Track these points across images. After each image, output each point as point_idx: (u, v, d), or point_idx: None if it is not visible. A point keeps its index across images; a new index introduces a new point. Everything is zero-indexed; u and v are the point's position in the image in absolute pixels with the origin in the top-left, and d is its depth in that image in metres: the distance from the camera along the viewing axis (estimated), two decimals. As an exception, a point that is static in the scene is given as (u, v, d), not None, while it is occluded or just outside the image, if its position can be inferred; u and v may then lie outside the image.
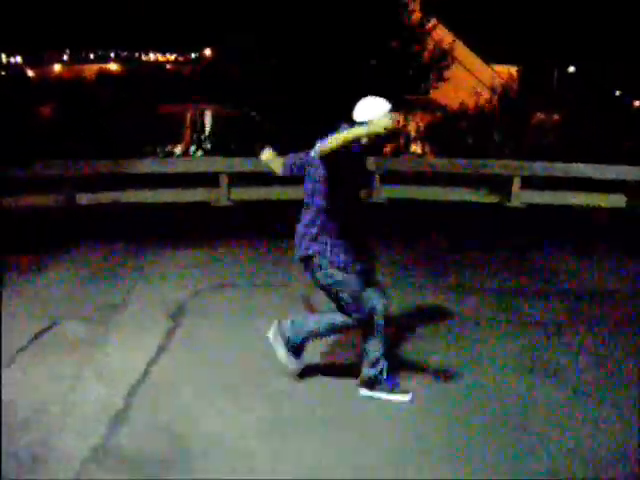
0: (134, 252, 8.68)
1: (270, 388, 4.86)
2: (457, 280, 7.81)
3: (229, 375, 5.07)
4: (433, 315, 6.50)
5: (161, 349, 5.51)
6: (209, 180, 12.77)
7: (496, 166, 13.43)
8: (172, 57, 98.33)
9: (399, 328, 5.91)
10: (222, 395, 4.75)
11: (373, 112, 4.36)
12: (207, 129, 27.98)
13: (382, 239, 8.89)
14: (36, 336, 5.70)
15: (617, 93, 34.45)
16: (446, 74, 20.51)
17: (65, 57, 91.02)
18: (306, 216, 4.54)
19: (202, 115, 32.47)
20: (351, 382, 4.84)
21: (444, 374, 5.12)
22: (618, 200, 13.12)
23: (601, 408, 4.67)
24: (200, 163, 14.27)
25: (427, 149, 22.18)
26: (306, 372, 5.01)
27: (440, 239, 9.87)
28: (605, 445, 4.19)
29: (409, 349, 5.61)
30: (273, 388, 4.86)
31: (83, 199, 12.29)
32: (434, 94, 22.33)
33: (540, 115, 22.72)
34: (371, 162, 13.05)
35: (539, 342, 5.89)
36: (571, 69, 37.24)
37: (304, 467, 3.90)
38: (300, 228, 4.57)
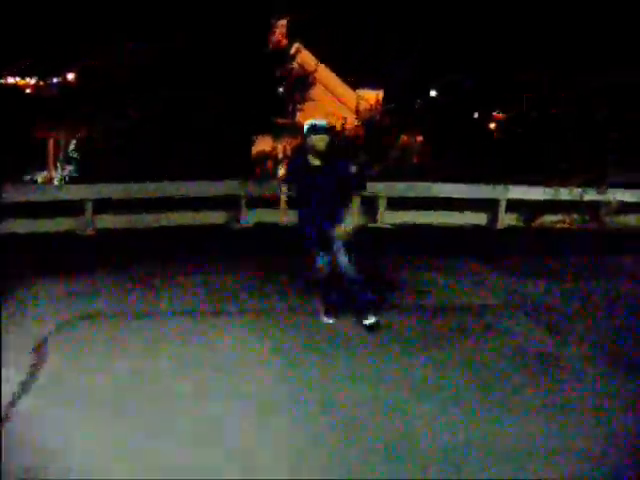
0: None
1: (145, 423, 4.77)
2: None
3: (104, 409, 4.94)
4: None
5: (24, 388, 5.27)
6: (74, 208, 12.41)
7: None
8: (32, 81, 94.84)
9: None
10: (98, 432, 4.62)
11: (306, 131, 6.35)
12: (71, 155, 27.17)
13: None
14: None
15: (476, 116, 35.96)
16: (311, 95, 20.85)
17: None
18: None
19: (66, 140, 31.46)
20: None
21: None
22: (478, 217, 13.79)
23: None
24: (65, 190, 13.80)
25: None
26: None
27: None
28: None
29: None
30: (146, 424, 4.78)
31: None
32: (301, 118, 22.61)
33: (404, 137, 23.41)
34: (235, 185, 13.07)
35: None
36: (433, 93, 38.60)
37: None
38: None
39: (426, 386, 5.50)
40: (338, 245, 6.56)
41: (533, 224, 14.00)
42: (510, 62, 24.34)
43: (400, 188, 13.65)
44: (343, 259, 6.58)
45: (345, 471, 4.17)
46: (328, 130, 6.49)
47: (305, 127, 6.44)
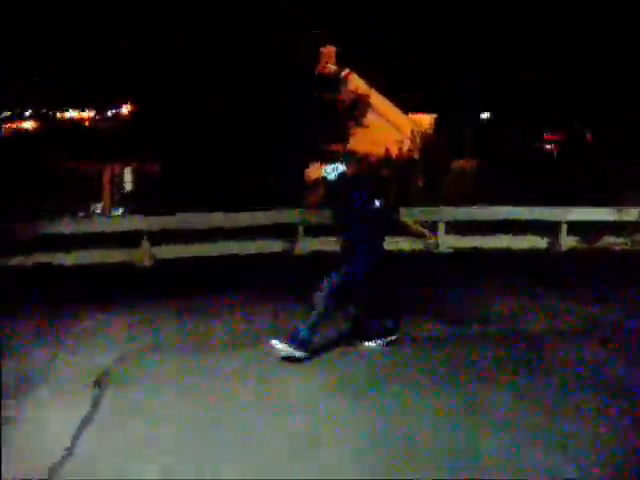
0: (55, 318, 8.23)
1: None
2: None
3: (159, 451, 4.71)
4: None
5: (84, 424, 5.10)
6: (131, 240, 12.41)
7: (425, 212, 13.51)
8: (90, 114, 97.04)
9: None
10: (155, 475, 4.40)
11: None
12: (127, 186, 27.48)
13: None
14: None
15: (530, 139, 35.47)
16: (363, 122, 20.73)
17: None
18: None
19: (121, 172, 31.93)
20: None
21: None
22: (538, 241, 13.42)
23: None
24: (120, 222, 13.89)
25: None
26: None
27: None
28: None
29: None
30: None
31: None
32: (353, 144, 22.50)
33: (459, 162, 23.11)
34: (296, 215, 12.97)
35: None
36: (485, 115, 38.24)
37: None
38: None
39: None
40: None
41: (594, 246, 13.55)
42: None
43: (459, 212, 13.36)
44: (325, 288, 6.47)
45: None
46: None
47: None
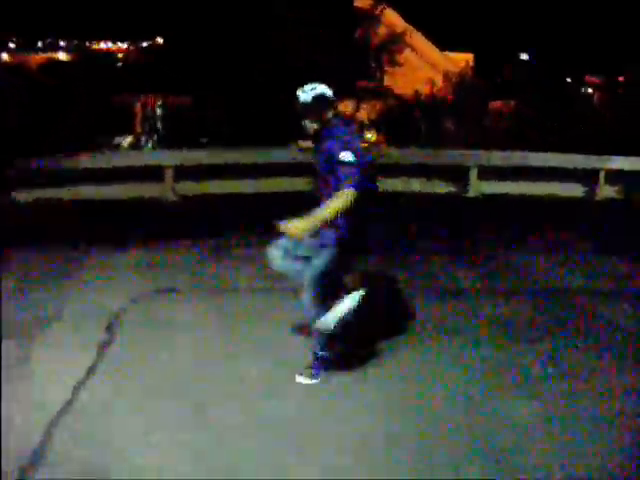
0: (71, 256, 8.05)
1: (211, 415, 4.38)
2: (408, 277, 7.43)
3: (168, 402, 4.54)
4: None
5: (92, 368, 4.96)
6: (157, 174, 12.16)
7: (453, 156, 13.13)
8: (123, 46, 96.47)
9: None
10: (158, 426, 4.23)
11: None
12: (158, 119, 27.26)
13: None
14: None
15: (569, 80, 34.52)
16: (399, 59, 20.13)
17: (12, 44, 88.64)
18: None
19: (153, 105, 31.64)
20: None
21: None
22: (574, 189, 12.95)
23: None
24: (147, 156, 13.67)
25: (381, 138, 21.81)
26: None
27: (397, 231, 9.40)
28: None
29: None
30: (214, 416, 4.38)
31: (22, 197, 11.59)
32: (387, 81, 21.94)
33: (496, 103, 22.49)
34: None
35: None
36: (524, 56, 37.21)
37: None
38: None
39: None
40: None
41: (634, 197, 13.00)
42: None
43: (494, 157, 12.91)
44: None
45: None
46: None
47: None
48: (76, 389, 4.63)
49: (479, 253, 8.61)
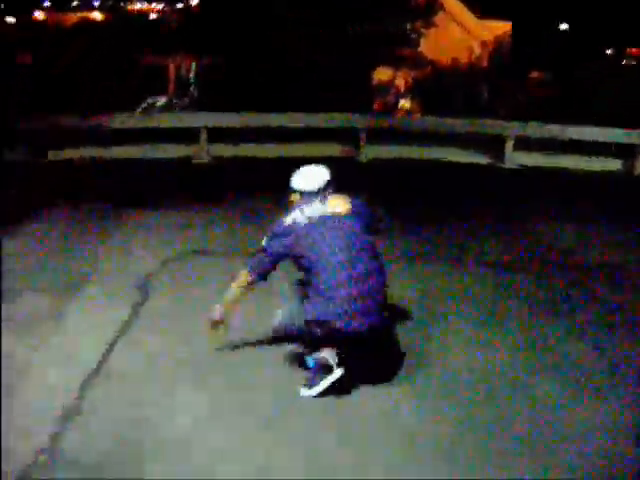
0: (106, 215, 8.12)
1: (241, 379, 4.38)
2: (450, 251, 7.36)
3: (199, 362, 4.56)
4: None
5: (125, 328, 5.01)
6: (191, 136, 12.13)
7: (489, 126, 12.94)
8: (158, 6, 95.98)
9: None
10: (189, 387, 4.25)
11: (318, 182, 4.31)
12: (192, 81, 27.17)
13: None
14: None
15: (609, 51, 33.84)
16: (434, 22, 19.81)
17: (47, 3, 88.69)
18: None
19: (187, 66, 31.52)
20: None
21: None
22: (612, 163, 12.70)
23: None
24: (181, 118, 13.65)
25: (415, 106, 21.58)
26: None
27: (430, 204, 9.33)
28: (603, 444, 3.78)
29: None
30: (243, 379, 4.39)
31: (55, 155, 11.65)
32: (423, 49, 21.64)
33: (534, 73, 22.12)
34: (357, 118, 12.56)
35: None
36: (564, 26, 36.51)
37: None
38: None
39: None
40: None
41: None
42: None
43: (529, 128, 12.69)
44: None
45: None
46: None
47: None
48: (109, 348, 4.67)
49: (518, 226, 8.47)
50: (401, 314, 5.35)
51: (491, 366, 4.64)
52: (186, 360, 4.56)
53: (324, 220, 4.17)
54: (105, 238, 7.26)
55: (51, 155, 11.56)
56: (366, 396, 4.18)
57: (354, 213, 4.25)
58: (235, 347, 4.69)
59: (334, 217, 4.19)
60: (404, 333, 5.06)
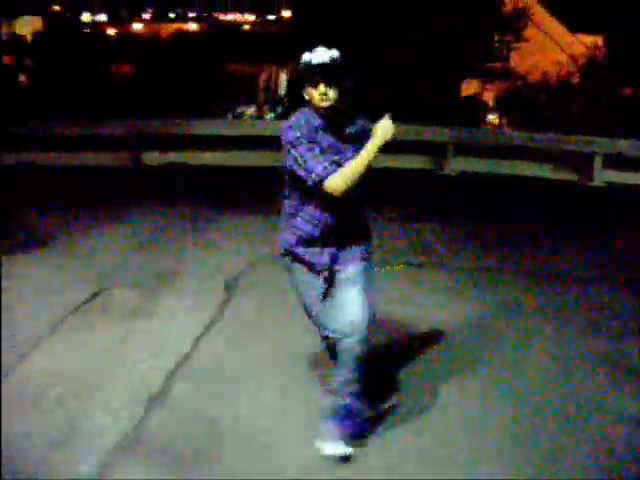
0: (194, 217, 8.44)
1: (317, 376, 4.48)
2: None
3: (281, 359, 4.70)
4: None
5: (211, 324, 5.21)
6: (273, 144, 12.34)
7: (578, 142, 12.71)
8: (250, 18, 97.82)
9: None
10: (270, 382, 4.39)
11: None
12: (282, 91, 27.57)
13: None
14: (81, 304, 5.49)
15: None
16: (524, 36, 19.63)
17: (146, 15, 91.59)
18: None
19: (277, 77, 32.04)
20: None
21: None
22: None
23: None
24: (269, 126, 13.95)
25: (504, 120, 21.41)
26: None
27: (513, 220, 9.14)
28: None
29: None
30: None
31: (150, 159, 12.13)
32: (513, 62, 21.46)
33: (627, 90, 21.57)
34: (445, 132, 12.53)
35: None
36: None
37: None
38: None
39: None
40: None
41: None
42: None
43: (622, 144, 12.38)
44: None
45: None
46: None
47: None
48: (194, 343, 4.87)
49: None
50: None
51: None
52: (270, 358, 4.70)
53: None
54: (195, 238, 7.55)
55: (146, 158, 12.03)
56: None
57: None
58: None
59: None
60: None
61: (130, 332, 5.01)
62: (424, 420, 4.00)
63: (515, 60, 20.74)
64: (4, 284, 5.65)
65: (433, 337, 5.12)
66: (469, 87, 19.79)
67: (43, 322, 5.07)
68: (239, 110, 23.35)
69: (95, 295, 5.68)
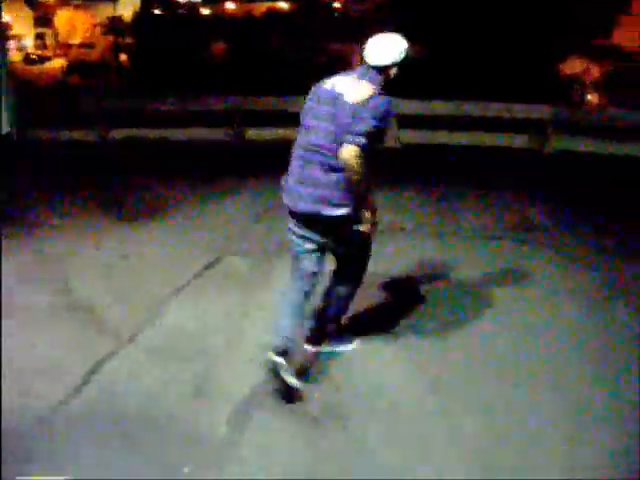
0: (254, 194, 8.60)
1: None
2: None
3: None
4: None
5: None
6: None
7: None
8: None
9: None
10: (391, 346, 4.51)
11: (394, 54, 3.77)
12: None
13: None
14: (203, 269, 5.74)
15: None
16: (630, 9, 19.00)
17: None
18: None
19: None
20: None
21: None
22: None
23: None
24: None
25: (604, 99, 20.77)
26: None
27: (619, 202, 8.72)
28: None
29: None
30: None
31: (252, 135, 12.47)
32: (617, 38, 20.76)
33: None
34: (545, 110, 12.34)
35: None
36: None
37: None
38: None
39: None
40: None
41: None
42: None
43: None
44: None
45: None
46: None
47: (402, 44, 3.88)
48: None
49: None
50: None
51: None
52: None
53: (325, 92, 3.77)
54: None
55: (247, 133, 12.37)
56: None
57: (365, 106, 3.57)
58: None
59: (338, 96, 3.69)
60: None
61: (248, 300, 5.15)
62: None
63: (619, 34, 20.03)
64: (130, 249, 5.99)
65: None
66: (573, 66, 19.26)
67: (169, 285, 5.33)
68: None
69: (216, 261, 5.92)
